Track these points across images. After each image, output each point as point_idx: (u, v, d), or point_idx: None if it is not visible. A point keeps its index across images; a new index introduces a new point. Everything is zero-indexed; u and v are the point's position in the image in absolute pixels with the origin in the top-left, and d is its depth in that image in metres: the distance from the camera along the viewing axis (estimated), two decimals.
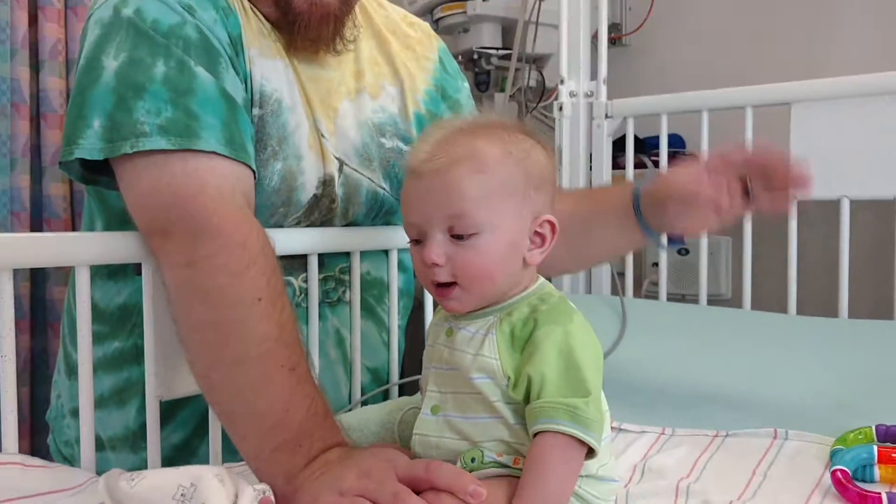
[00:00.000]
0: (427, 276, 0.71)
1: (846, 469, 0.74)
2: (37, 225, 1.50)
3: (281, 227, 1.00)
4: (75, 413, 1.08)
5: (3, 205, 1.44)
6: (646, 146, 1.89)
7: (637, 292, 1.73)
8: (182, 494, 0.68)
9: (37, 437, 1.53)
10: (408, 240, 0.74)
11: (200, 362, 0.80)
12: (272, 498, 0.72)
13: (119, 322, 1.03)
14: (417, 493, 0.65)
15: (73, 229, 1.52)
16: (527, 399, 0.67)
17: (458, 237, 0.69)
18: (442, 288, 0.70)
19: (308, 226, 1.03)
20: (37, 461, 0.78)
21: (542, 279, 0.75)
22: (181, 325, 0.81)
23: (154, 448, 0.87)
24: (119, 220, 0.96)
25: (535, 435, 0.65)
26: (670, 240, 0.95)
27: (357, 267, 1.09)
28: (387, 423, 0.87)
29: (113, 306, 1.03)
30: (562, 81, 1.62)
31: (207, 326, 0.79)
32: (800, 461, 0.82)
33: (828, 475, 0.77)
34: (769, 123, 1.43)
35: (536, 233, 0.72)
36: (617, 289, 1.47)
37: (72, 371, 1.09)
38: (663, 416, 0.97)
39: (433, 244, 0.69)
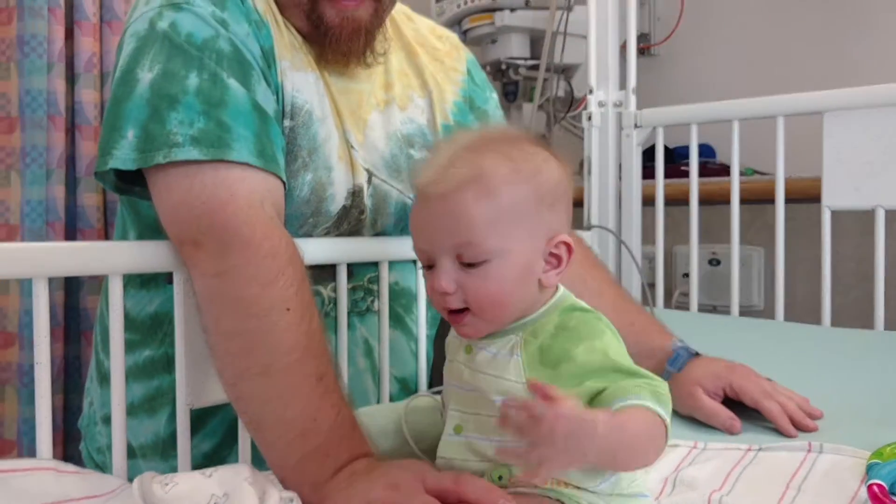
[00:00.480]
0: (439, 303, 0.69)
1: (882, 483, 0.73)
2: (71, 235, 1.52)
3: (310, 237, 1.01)
4: (107, 420, 1.09)
5: (39, 215, 1.46)
6: (675, 156, 1.87)
7: (668, 303, 1.71)
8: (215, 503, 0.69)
9: (70, 445, 1.55)
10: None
11: (229, 371, 0.81)
12: None
13: (150, 331, 1.04)
14: None
15: (107, 239, 1.54)
16: None
17: (467, 265, 0.67)
18: (454, 314, 0.69)
19: (337, 236, 1.04)
20: (70, 467, 0.79)
21: (562, 289, 0.72)
22: (210, 334, 0.82)
23: (184, 456, 0.88)
24: (151, 230, 0.97)
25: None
26: None
27: (385, 276, 1.09)
28: (395, 419, 0.87)
29: (144, 315, 1.04)
30: (590, 91, 1.62)
31: (236, 335, 0.80)
32: (835, 475, 0.81)
33: (864, 489, 0.75)
34: (801, 133, 1.42)
35: (552, 254, 0.69)
36: (647, 299, 1.46)
37: (104, 379, 1.10)
38: (695, 430, 0.96)
39: (442, 272, 0.67)
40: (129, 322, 1.02)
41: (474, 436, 0.70)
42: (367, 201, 1.04)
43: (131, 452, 1.00)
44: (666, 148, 1.65)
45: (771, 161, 1.45)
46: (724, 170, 1.83)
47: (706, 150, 1.91)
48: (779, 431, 0.93)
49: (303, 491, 0.74)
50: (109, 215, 1.56)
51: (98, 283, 1.51)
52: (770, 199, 1.46)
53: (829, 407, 0.97)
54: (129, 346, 1.01)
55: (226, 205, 0.83)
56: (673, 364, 1.01)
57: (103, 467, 1.09)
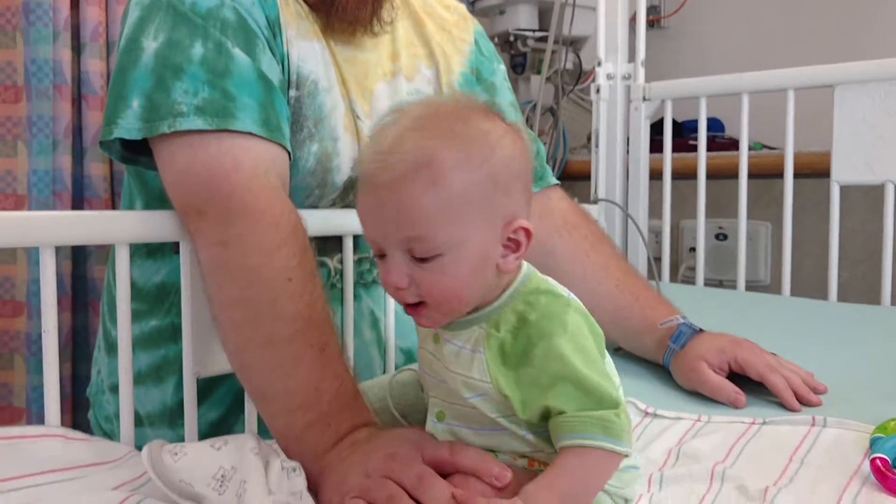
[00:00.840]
0: (394, 297, 0.66)
1: (886, 457, 0.73)
2: (78, 205, 1.53)
3: (316, 208, 1.01)
4: (114, 389, 1.10)
5: (46, 185, 1.46)
6: (684, 130, 1.86)
7: (674, 277, 1.71)
8: (222, 476, 0.69)
9: (78, 413, 1.56)
10: None
11: (232, 341, 0.81)
12: (304, 476, 0.72)
13: (157, 300, 1.05)
14: (443, 475, 0.65)
15: (114, 209, 1.54)
16: (543, 418, 0.64)
17: (420, 259, 0.62)
18: (411, 308, 0.65)
19: (343, 207, 1.04)
20: (78, 434, 0.80)
21: (525, 267, 0.68)
22: (214, 303, 0.82)
23: (191, 425, 0.89)
24: (158, 200, 0.97)
25: (563, 448, 0.62)
26: None
27: None
28: (380, 394, 0.88)
29: (151, 285, 1.05)
30: (599, 64, 1.61)
31: (238, 305, 0.80)
32: (838, 449, 0.81)
33: (867, 463, 0.75)
34: (811, 107, 1.40)
35: (510, 238, 0.64)
36: (653, 274, 1.46)
37: (111, 348, 1.11)
38: (700, 404, 0.96)
39: (393, 266, 0.63)
40: (136, 292, 1.02)
41: (456, 423, 0.69)
42: None
43: (139, 421, 1.01)
44: (674, 122, 1.65)
45: (780, 135, 1.44)
46: (733, 144, 1.81)
47: (715, 125, 1.89)
48: (783, 406, 0.93)
49: (305, 460, 0.74)
50: (116, 185, 1.56)
51: (105, 252, 1.52)
52: (778, 174, 1.45)
53: (833, 382, 0.97)
54: (136, 316, 1.01)
55: (230, 174, 0.83)
56: (676, 341, 1.02)
57: (111, 435, 1.10)
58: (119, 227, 0.83)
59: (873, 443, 0.79)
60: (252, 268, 0.80)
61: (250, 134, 0.84)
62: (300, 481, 0.72)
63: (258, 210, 0.81)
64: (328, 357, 0.79)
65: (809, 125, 1.46)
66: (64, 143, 1.47)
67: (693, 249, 1.69)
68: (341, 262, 1.06)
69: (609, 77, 1.61)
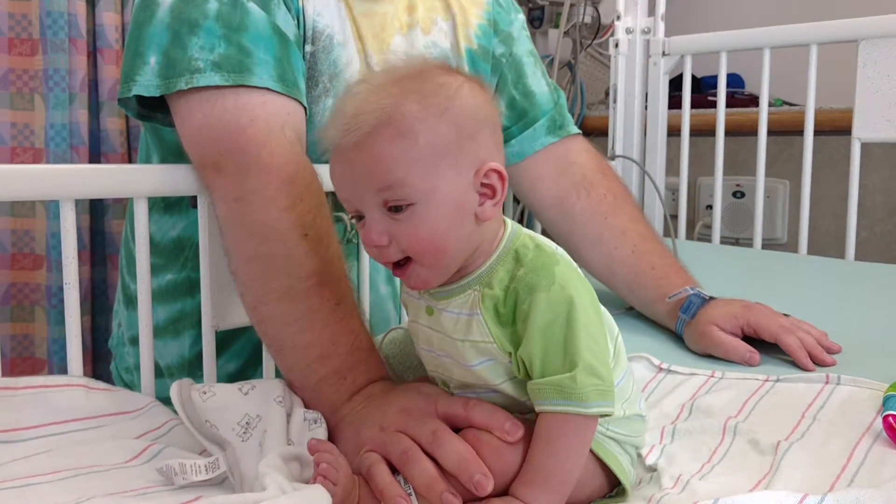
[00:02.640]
0: (378, 258, 0.65)
1: None
2: (95, 159, 1.53)
3: None
4: (134, 341, 1.12)
5: (63, 139, 1.47)
6: (703, 86, 1.84)
7: (690, 235, 1.70)
8: (247, 423, 0.71)
9: (98, 365, 1.59)
10: None
11: (249, 295, 0.82)
12: (325, 427, 0.74)
13: (173, 255, 1.06)
14: (456, 430, 0.65)
15: (130, 164, 1.55)
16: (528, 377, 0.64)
17: (394, 210, 0.62)
18: (398, 267, 0.65)
19: None
20: (100, 384, 0.82)
21: (511, 225, 0.67)
22: (231, 258, 0.83)
23: (210, 378, 0.90)
24: (175, 155, 0.97)
25: (539, 414, 0.63)
26: None
27: None
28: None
29: (167, 239, 1.06)
30: (618, 17, 1.58)
31: (256, 260, 0.81)
32: (851, 406, 0.81)
33: (879, 420, 0.76)
34: (834, 62, 1.38)
35: (483, 184, 0.64)
36: (670, 231, 1.45)
37: (129, 301, 1.12)
38: (713, 363, 0.96)
39: (372, 224, 0.63)
40: (153, 246, 1.03)
41: (459, 391, 0.70)
42: None
43: (159, 372, 1.03)
44: (693, 77, 1.62)
45: (800, 92, 1.42)
46: (753, 101, 1.79)
47: (735, 80, 1.87)
48: (797, 366, 0.93)
49: (321, 412, 0.76)
50: (133, 140, 1.56)
51: (123, 207, 1.53)
52: (798, 131, 1.44)
53: (848, 341, 0.97)
54: (153, 270, 1.02)
55: (246, 129, 0.83)
56: (686, 311, 1.01)
57: (132, 386, 1.12)
58: (138, 181, 0.84)
59: (886, 400, 0.79)
60: (268, 223, 0.80)
61: (267, 89, 0.84)
62: (321, 432, 0.73)
63: (274, 165, 0.82)
64: (344, 312, 0.80)
65: (831, 81, 1.43)
66: (80, 97, 1.47)
67: (710, 207, 1.68)
68: None
69: (628, 31, 1.58)
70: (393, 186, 0.61)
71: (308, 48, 0.95)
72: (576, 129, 1.19)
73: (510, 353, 0.64)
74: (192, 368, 1.05)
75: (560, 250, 0.66)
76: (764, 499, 0.60)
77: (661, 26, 1.57)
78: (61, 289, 1.50)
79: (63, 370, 1.52)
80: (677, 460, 0.74)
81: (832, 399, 0.83)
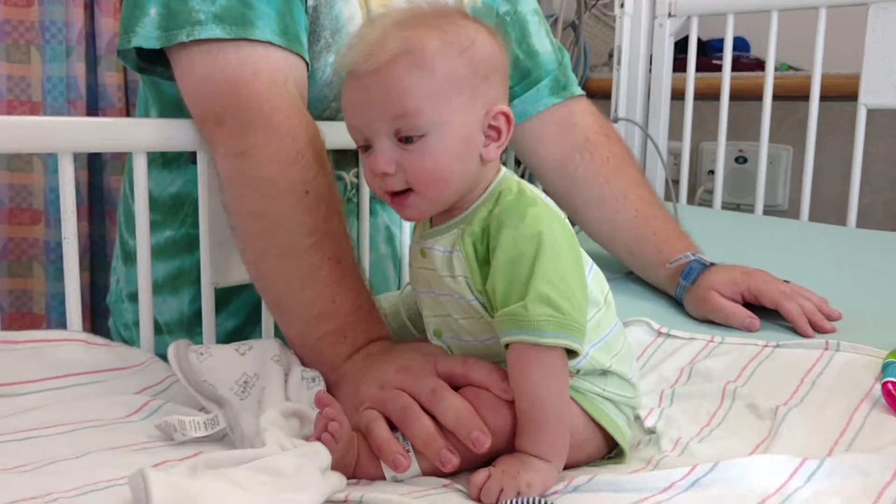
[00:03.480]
0: (380, 187, 0.67)
1: None
2: (92, 113, 1.51)
3: (332, 121, 0.99)
4: (132, 297, 1.12)
5: (61, 92, 1.45)
6: (708, 49, 1.81)
7: (691, 200, 1.69)
8: (245, 381, 0.70)
9: (96, 321, 1.59)
10: None
11: (250, 251, 0.82)
12: (324, 386, 0.74)
13: (171, 211, 1.05)
14: (455, 388, 0.66)
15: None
16: None
17: (405, 140, 0.64)
18: (397, 196, 0.66)
19: None
20: (99, 339, 0.82)
21: (504, 171, 0.69)
22: (232, 214, 0.83)
23: (209, 336, 0.90)
24: (174, 109, 0.96)
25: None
26: None
27: None
28: (395, 307, 0.89)
29: (166, 195, 1.05)
30: None
31: (256, 216, 0.80)
32: (850, 372, 0.81)
33: (878, 387, 0.76)
34: (841, 27, 1.36)
35: (491, 126, 0.66)
36: (671, 195, 1.45)
37: (128, 257, 1.12)
38: (713, 328, 0.96)
39: (380, 152, 0.64)
40: (152, 202, 1.02)
41: (450, 338, 0.70)
42: None
43: (158, 329, 1.03)
44: (698, 40, 1.60)
45: (806, 56, 1.40)
46: (758, 65, 1.77)
47: (740, 44, 1.84)
48: (797, 332, 0.93)
49: (320, 370, 0.76)
50: (131, 95, 1.54)
51: (121, 162, 1.51)
52: (802, 96, 1.42)
53: (848, 308, 0.97)
54: (152, 227, 1.01)
55: (248, 83, 0.82)
56: (686, 277, 1.01)
57: (130, 342, 1.12)
58: (137, 135, 0.83)
59: (885, 367, 0.79)
60: (269, 179, 0.79)
61: (269, 43, 0.83)
62: (319, 390, 0.73)
63: (276, 120, 0.81)
64: (344, 270, 0.79)
65: (837, 46, 1.41)
66: (77, 50, 1.45)
67: (711, 172, 1.67)
68: (357, 176, 1.05)
69: None
70: (407, 115, 0.63)
71: (310, 2, 0.93)
72: (580, 91, 1.17)
73: (481, 292, 0.65)
74: (191, 325, 1.05)
75: (544, 197, 0.67)
76: (763, 462, 0.61)
77: None
78: (59, 244, 1.49)
79: (61, 326, 1.51)
80: (676, 423, 0.74)
81: (831, 365, 0.83)
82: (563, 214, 0.67)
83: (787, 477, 0.60)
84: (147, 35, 0.83)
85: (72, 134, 0.78)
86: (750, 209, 1.53)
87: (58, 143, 0.76)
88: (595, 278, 0.69)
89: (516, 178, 0.69)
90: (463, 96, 0.64)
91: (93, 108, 1.51)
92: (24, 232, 1.52)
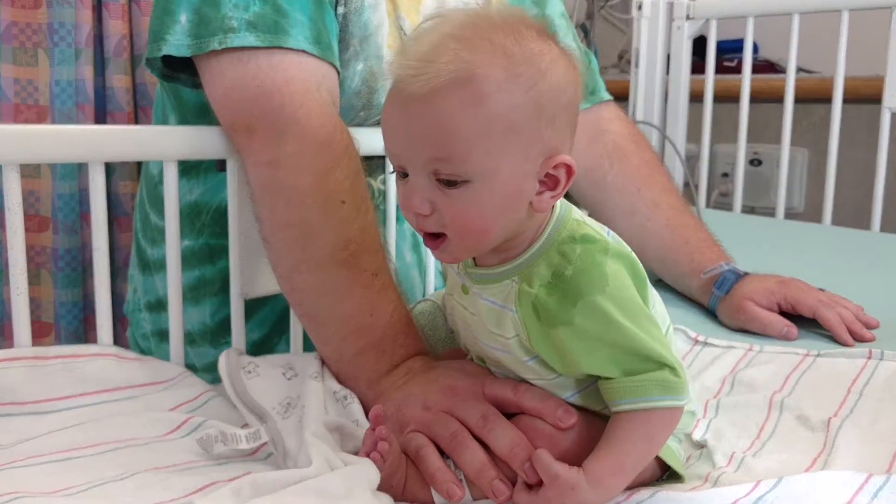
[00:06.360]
0: (413, 223, 0.59)
1: None
2: (101, 117, 1.48)
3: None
4: (151, 307, 1.09)
5: (69, 96, 1.42)
6: (719, 50, 1.80)
7: (707, 203, 1.68)
8: (288, 403, 0.69)
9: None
10: None
11: (283, 263, 0.79)
12: (358, 403, 0.72)
13: (188, 220, 1.02)
14: (504, 414, 0.63)
15: (136, 123, 1.50)
16: (587, 378, 0.61)
17: (446, 183, 0.55)
18: (430, 238, 0.59)
19: None
20: (130, 354, 0.80)
21: (559, 209, 0.61)
22: (264, 224, 0.80)
23: (239, 347, 0.88)
24: (195, 117, 0.94)
25: (622, 411, 0.58)
26: None
27: None
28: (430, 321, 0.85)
29: (183, 204, 1.01)
30: None
31: (291, 227, 0.78)
32: None
33: None
34: (864, 28, 1.35)
35: (548, 175, 0.58)
36: (692, 199, 1.43)
37: (146, 266, 1.09)
38: (749, 336, 0.95)
39: (416, 190, 0.57)
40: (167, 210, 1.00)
41: (495, 370, 0.67)
42: None
43: None
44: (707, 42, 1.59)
45: (817, 59, 1.39)
46: (768, 66, 1.76)
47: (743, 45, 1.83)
48: (835, 341, 0.92)
49: (357, 386, 0.74)
50: (140, 99, 1.51)
51: (129, 168, 1.48)
52: (817, 99, 1.42)
53: (883, 315, 0.96)
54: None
55: (281, 89, 0.79)
56: (720, 287, 0.99)
57: (148, 352, 1.09)
58: (169, 143, 0.80)
59: None
60: (304, 188, 0.77)
61: (302, 52, 0.81)
62: (356, 408, 0.71)
63: (311, 128, 0.78)
64: (381, 283, 0.77)
65: (853, 49, 1.40)
66: (86, 53, 1.42)
67: (726, 175, 1.66)
68: (384, 182, 1.03)
69: None
70: (451, 159, 0.55)
71: (340, 10, 0.91)
72: (608, 96, 1.15)
73: (535, 353, 0.61)
74: (215, 336, 1.02)
75: (612, 236, 0.62)
76: (828, 478, 0.60)
77: None
78: (68, 251, 1.48)
79: (70, 335, 1.49)
80: (725, 436, 0.73)
81: (877, 375, 0.82)
82: (628, 248, 0.62)
83: (853, 493, 0.58)
84: (178, 43, 0.81)
85: (103, 142, 0.75)
86: (766, 212, 1.52)
87: (89, 152, 0.74)
88: (660, 313, 0.65)
89: (574, 213, 0.62)
90: (520, 143, 0.55)
91: (101, 112, 1.48)
92: (31, 239, 1.48)
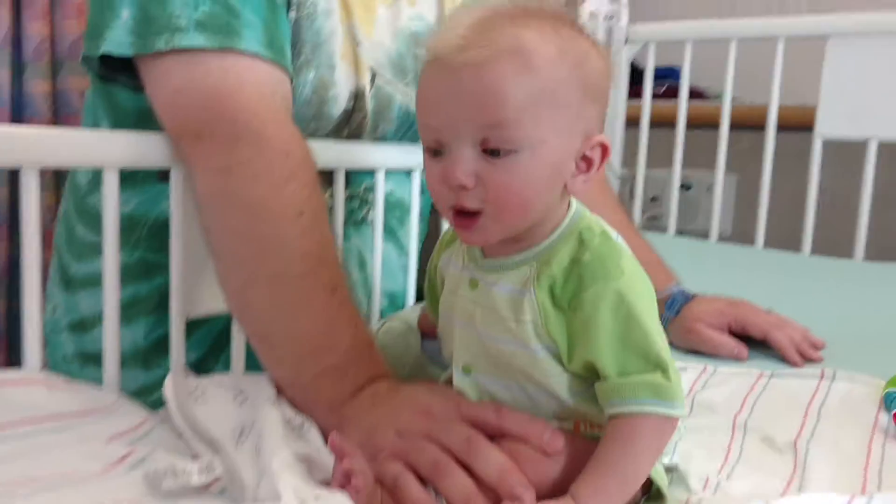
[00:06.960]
0: (447, 200, 0.57)
1: None
2: (17, 123, 1.39)
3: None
4: (73, 327, 1.01)
5: None
6: (641, 77, 1.83)
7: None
8: (241, 430, 0.64)
9: (12, 353, 1.45)
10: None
11: (235, 278, 0.74)
12: (316, 431, 0.67)
13: (124, 234, 0.95)
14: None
15: None
16: (587, 373, 0.59)
17: (492, 153, 0.55)
18: (465, 217, 0.57)
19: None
20: (60, 381, 0.73)
21: (576, 204, 0.62)
22: (213, 235, 0.75)
23: (178, 369, 0.82)
24: (130, 123, 0.88)
25: (614, 416, 0.57)
26: None
27: (382, 185, 1.03)
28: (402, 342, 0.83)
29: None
30: (582, 1, 1.55)
31: (244, 239, 0.73)
32: (851, 402, 0.81)
33: (884, 417, 0.76)
34: (799, 58, 1.39)
35: (585, 156, 0.59)
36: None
37: (69, 283, 1.01)
38: (699, 356, 0.95)
39: (460, 161, 0.55)
40: (100, 223, 0.93)
41: (485, 377, 0.63)
42: (370, 104, 0.97)
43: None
44: (635, 68, 1.61)
45: (747, 86, 1.43)
46: (697, 93, 1.80)
47: (669, 72, 1.86)
48: (784, 360, 0.93)
49: (317, 411, 0.69)
50: (60, 105, 1.42)
51: (49, 176, 1.39)
52: (746, 126, 1.45)
53: (825, 335, 0.98)
54: (98, 250, 0.92)
55: (233, 94, 0.74)
56: (670, 308, 0.99)
57: (69, 375, 1.00)
58: (112, 150, 0.74)
59: (888, 398, 0.80)
60: (259, 199, 0.72)
61: (255, 55, 0.76)
62: (314, 436, 0.67)
63: (266, 135, 0.74)
64: (339, 300, 0.73)
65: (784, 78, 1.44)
66: (2, 55, 1.33)
67: (654, 199, 1.68)
68: (332, 197, 0.99)
69: (591, 16, 1.55)
70: (503, 125, 0.54)
71: (292, 14, 0.87)
72: None
73: (555, 340, 0.59)
74: (148, 358, 0.95)
75: (621, 240, 0.61)
76: (813, 501, 0.59)
77: (626, 12, 1.55)
78: None
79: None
80: (695, 458, 0.71)
81: (831, 395, 0.83)
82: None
83: None
84: (119, 41, 0.75)
85: (39, 146, 0.68)
86: (695, 234, 1.55)
87: (24, 156, 0.67)
88: None
89: (590, 212, 0.62)
90: (567, 117, 0.56)
91: (17, 118, 1.38)
92: None
